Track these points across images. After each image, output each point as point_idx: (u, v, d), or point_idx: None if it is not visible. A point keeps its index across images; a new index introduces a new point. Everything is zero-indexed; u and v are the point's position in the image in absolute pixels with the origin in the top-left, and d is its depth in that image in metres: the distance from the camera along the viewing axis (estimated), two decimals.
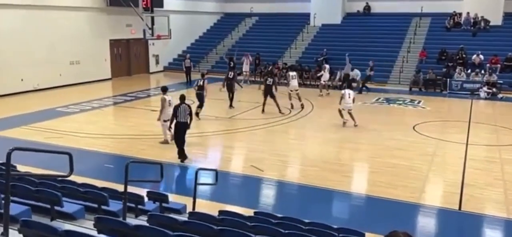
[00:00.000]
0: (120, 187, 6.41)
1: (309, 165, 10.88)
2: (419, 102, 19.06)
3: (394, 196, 8.85)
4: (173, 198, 7.84)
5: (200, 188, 8.99)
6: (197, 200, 7.55)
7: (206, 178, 9.77)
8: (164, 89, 12.37)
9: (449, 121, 15.87)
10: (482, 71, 21.77)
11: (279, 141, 12.73)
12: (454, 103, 19.53)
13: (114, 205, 5.85)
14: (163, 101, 12.03)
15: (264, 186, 9.38)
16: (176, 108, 10.78)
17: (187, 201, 7.72)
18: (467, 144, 12.50)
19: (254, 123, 14.79)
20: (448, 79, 21.67)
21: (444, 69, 22.55)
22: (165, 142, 12.08)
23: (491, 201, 8.81)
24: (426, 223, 8.13)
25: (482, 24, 25.37)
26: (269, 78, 16.41)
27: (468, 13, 25.83)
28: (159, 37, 25.09)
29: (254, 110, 16.85)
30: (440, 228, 7.93)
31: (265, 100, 16.14)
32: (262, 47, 28.15)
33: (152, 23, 24.44)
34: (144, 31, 23.81)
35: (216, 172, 8.42)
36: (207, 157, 11.66)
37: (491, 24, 25.17)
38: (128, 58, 26.67)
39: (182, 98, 11.01)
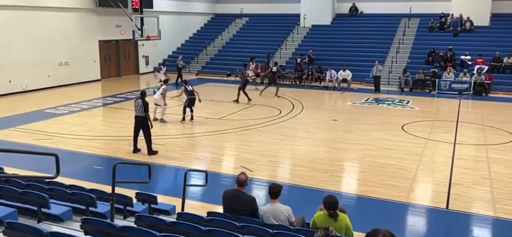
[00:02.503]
0: (109, 189, 6.38)
1: (299, 165, 10.92)
2: (407, 102, 19.21)
3: (383, 196, 8.92)
4: (162, 199, 7.82)
5: (190, 189, 8.99)
6: (187, 201, 7.54)
7: (196, 179, 9.77)
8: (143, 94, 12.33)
9: (437, 121, 16.01)
10: (473, 71, 22.00)
11: (270, 142, 12.74)
12: (443, 103, 19.72)
13: (102, 207, 5.82)
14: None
15: (254, 187, 9.39)
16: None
17: (176, 202, 7.71)
18: (455, 144, 12.64)
19: (245, 124, 14.80)
20: (437, 79, 21.87)
21: (433, 70, 22.75)
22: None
23: (478, 199, 8.91)
24: (414, 222, 8.20)
25: (468, 25, 25.65)
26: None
27: (454, 14, 26.11)
28: (148, 38, 25.01)
29: (245, 111, 16.88)
30: (428, 227, 8.00)
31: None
32: (253, 48, 28.21)
33: (142, 24, 24.35)
34: (133, 32, 23.71)
35: (206, 173, 8.41)
36: (197, 158, 11.64)
37: (478, 24, 25.45)
38: (117, 59, 26.52)
39: (142, 94, 11.53)
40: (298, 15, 29.76)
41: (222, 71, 26.74)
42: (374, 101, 19.26)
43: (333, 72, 22.94)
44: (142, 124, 11.27)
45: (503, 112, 17.72)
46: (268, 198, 6.01)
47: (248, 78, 18.12)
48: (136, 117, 11.33)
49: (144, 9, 24.54)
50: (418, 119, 15.92)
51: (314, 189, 9.16)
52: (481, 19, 25.52)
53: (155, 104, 14.91)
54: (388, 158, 11.24)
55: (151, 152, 11.37)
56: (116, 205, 5.61)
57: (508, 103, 19.41)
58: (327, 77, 22.96)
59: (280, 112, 16.52)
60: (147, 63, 28.45)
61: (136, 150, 11.50)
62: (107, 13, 24.28)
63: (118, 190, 5.76)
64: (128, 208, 6.16)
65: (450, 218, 8.19)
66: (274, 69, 19.90)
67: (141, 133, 11.39)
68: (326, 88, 22.49)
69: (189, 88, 15.05)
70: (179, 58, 25.10)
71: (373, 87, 21.63)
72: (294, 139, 13.24)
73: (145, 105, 11.24)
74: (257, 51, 27.50)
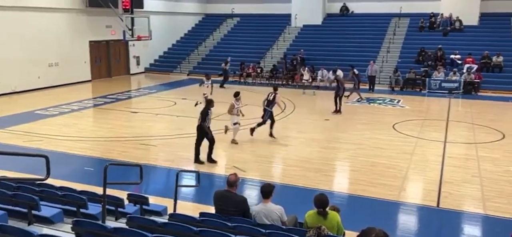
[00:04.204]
0: (100, 190, 6.35)
1: (291, 165, 10.94)
2: (398, 101, 19.34)
3: (374, 194, 8.97)
4: (154, 200, 7.79)
5: (183, 190, 8.97)
6: (179, 202, 7.52)
7: (188, 180, 9.74)
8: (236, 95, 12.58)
9: (427, 119, 16.14)
10: (463, 70, 22.21)
11: (262, 142, 12.75)
12: (433, 102, 19.87)
13: (93, 208, 5.79)
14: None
15: (246, 187, 9.40)
16: None
17: (168, 203, 7.68)
18: (445, 142, 12.75)
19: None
20: (427, 79, 22.05)
21: (423, 69, 22.93)
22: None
23: (468, 197, 9.00)
24: (406, 220, 8.26)
25: (458, 24, 25.88)
26: None
27: (443, 14, 26.32)
28: (139, 38, 24.91)
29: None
30: (419, 225, 8.07)
31: None
32: (244, 48, 28.21)
33: (132, 24, 24.25)
34: (124, 32, 23.60)
35: (198, 174, 8.40)
36: (189, 158, 11.60)
37: (467, 24, 25.68)
38: (108, 59, 26.37)
39: (209, 102, 11.30)
40: (289, 15, 29.81)
41: (214, 71, 26.62)
42: (365, 101, 19.35)
43: (325, 71, 23.07)
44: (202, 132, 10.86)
45: (492, 110, 17.90)
46: (260, 198, 6.02)
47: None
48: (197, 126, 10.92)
49: (134, 9, 24.44)
50: (408, 118, 16.02)
51: (306, 188, 9.19)
52: (470, 18, 25.76)
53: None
54: (380, 157, 11.31)
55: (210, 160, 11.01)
56: (107, 207, 5.58)
57: (497, 101, 19.61)
58: (319, 77, 23.07)
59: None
60: (138, 64, 28.33)
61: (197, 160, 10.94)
62: (97, 14, 24.13)
63: (109, 191, 5.73)
64: (119, 209, 6.13)
65: (441, 216, 8.26)
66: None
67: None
68: (318, 87, 22.56)
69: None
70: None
71: (366, 87, 21.73)
72: (286, 139, 13.25)
73: (203, 114, 10.82)
74: (249, 51, 27.51)
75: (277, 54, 27.59)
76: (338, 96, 16.50)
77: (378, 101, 19.31)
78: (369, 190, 9.17)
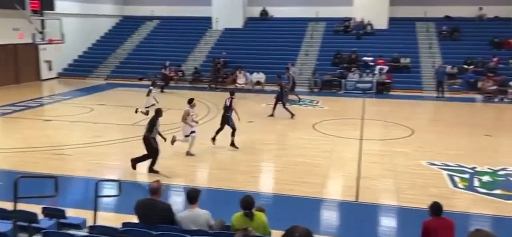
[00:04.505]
0: (11, 206, 5.85)
1: (217, 168, 10.91)
2: (317, 102, 20.09)
3: (298, 193, 9.22)
4: (72, 212, 7.34)
5: (103, 200, 8.53)
6: (100, 213, 7.15)
7: (109, 189, 9.30)
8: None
9: (345, 119, 16.94)
10: (375, 72, 23.62)
11: (186, 146, 12.53)
12: (349, 102, 20.91)
13: (4, 226, 5.32)
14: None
15: (171, 194, 9.19)
16: None
17: (88, 215, 7.27)
18: (361, 140, 13.46)
19: (160, 129, 14.39)
20: (343, 80, 23.18)
21: (339, 71, 24.05)
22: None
23: (384, 191, 9.58)
24: (328, 216, 8.59)
25: (369, 28, 27.50)
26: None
27: (356, 18, 27.85)
28: (51, 42, 23.38)
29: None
30: (340, 219, 8.43)
31: None
32: (165, 51, 27.64)
33: (43, 27, 22.72)
34: (33, 35, 22.04)
35: (119, 183, 8.04)
36: (109, 167, 11.11)
37: (378, 28, 27.38)
38: (15, 64, 24.42)
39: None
40: (210, 18, 29.74)
41: (133, 75, 25.87)
42: (299, 101, 19.80)
43: (247, 74, 23.35)
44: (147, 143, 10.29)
45: (402, 108, 19.26)
46: (187, 203, 5.91)
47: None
48: None
49: (44, 11, 22.92)
50: (327, 118, 16.70)
51: (232, 191, 9.20)
52: (380, 22, 27.49)
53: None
54: (302, 157, 11.64)
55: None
56: (19, 223, 5.15)
57: (406, 100, 21.11)
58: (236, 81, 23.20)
59: (197, 116, 16.33)
60: (50, 68, 26.56)
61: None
62: (2, 15, 22.27)
63: (21, 206, 5.31)
64: (33, 225, 5.69)
65: (360, 210, 8.69)
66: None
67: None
68: (241, 90, 22.72)
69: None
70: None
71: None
72: (210, 142, 13.16)
73: (151, 124, 10.24)
74: (170, 55, 27.00)
75: (199, 57, 27.41)
76: (279, 101, 16.46)
77: (298, 103, 19.89)
78: (293, 189, 9.41)
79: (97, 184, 7.19)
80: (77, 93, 22.19)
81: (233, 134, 12.24)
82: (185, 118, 11.42)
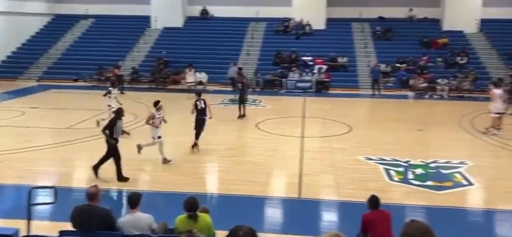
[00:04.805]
0: None
1: (160, 170, 10.67)
2: (260, 101, 20.27)
3: (243, 192, 9.24)
4: (3, 223, 6.89)
5: (38, 209, 8.06)
6: (34, 222, 6.74)
7: (43, 196, 8.81)
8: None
9: (287, 117, 17.22)
10: (314, 71, 24.21)
11: (127, 148, 12.15)
12: (290, 100, 21.29)
13: None
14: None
15: (111, 199, 8.88)
16: None
17: (21, 224, 6.84)
18: (302, 137, 13.75)
19: (98, 132, 13.86)
20: (284, 79, 23.59)
21: (280, 70, 24.43)
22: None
23: (325, 186, 9.84)
24: (272, 213, 8.69)
25: (308, 28, 28.17)
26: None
27: (295, 18, 28.43)
28: None
29: (97, 118, 15.85)
30: (284, 216, 8.56)
31: None
32: (101, 51, 26.70)
33: None
34: None
35: (55, 189, 7.64)
36: (43, 173, 10.52)
37: (316, 28, 28.09)
38: None
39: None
40: (148, 17, 29.07)
41: (68, 76, 24.72)
42: (229, 102, 19.83)
43: (197, 73, 22.96)
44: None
45: (340, 106, 19.91)
46: (128, 208, 5.74)
47: None
48: None
49: None
50: (270, 117, 16.89)
51: (175, 193, 9.04)
52: (318, 23, 28.22)
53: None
54: (246, 156, 11.71)
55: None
56: None
57: (344, 98, 21.85)
58: (183, 80, 22.97)
59: (136, 117, 15.91)
60: None
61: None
62: None
63: None
64: None
65: (303, 206, 8.87)
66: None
67: None
68: (182, 90, 22.43)
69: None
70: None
71: (229, 88, 22.30)
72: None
73: (111, 126, 9.70)
74: (107, 55, 26.10)
75: (138, 57, 26.71)
76: (244, 101, 16.36)
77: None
78: (238, 189, 9.42)
79: (30, 191, 6.79)
80: (6, 96, 20.81)
81: (197, 137, 11.99)
82: (149, 120, 10.94)
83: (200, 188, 9.56)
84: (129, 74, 24.32)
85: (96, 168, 9.79)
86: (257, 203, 8.85)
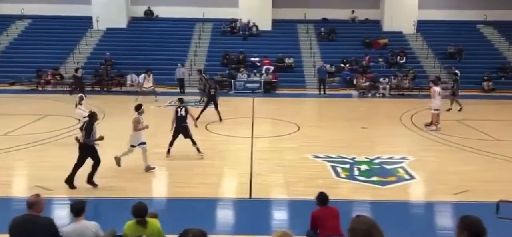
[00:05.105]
0: None
1: (105, 175, 10.26)
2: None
3: (194, 195, 9.13)
4: None
5: None
6: None
7: None
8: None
9: (236, 118, 17.22)
10: (262, 71, 24.39)
11: (68, 155, 11.61)
12: (239, 101, 21.32)
13: None
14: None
15: (54, 207, 8.46)
16: None
17: None
18: (252, 138, 13.81)
19: (38, 138, 13.19)
20: (233, 80, 23.60)
21: (228, 71, 24.42)
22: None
23: (275, 185, 9.93)
24: (223, 215, 8.64)
25: (255, 29, 28.37)
26: None
27: (242, 19, 28.55)
28: None
29: (37, 123, 15.09)
30: (235, 217, 8.55)
31: None
32: (40, 53, 25.48)
33: None
34: None
35: None
36: None
37: (263, 29, 28.35)
38: None
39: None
40: (90, 18, 28.05)
41: (3, 80, 23.37)
42: (177, 104, 19.49)
43: (134, 76, 22.55)
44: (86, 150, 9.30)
45: (288, 106, 20.20)
46: (72, 216, 5.49)
47: None
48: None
49: None
50: None
51: (123, 199, 8.77)
52: (265, 24, 28.50)
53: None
54: (197, 158, 11.50)
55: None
56: None
57: (292, 98, 22.20)
58: (128, 82, 22.42)
59: (79, 121, 15.29)
60: None
61: None
62: None
63: None
64: None
65: (254, 206, 8.91)
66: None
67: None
68: (128, 93, 21.84)
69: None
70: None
71: (177, 90, 22.00)
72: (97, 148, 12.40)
73: (88, 130, 9.22)
74: (46, 57, 24.94)
75: (80, 59, 25.68)
76: (214, 102, 16.12)
77: (190, 103, 19.72)
78: (189, 191, 9.30)
79: None
80: None
81: (194, 143, 11.58)
82: (136, 126, 10.43)
83: (148, 193, 9.36)
84: (71, 77, 23.31)
85: (70, 180, 9.37)
86: (208, 205, 8.78)
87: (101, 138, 9.59)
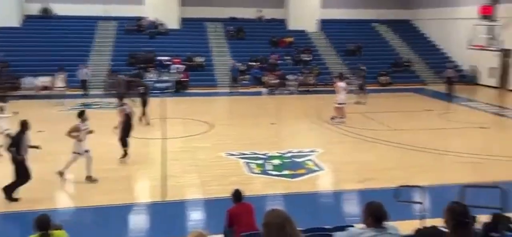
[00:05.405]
0: None
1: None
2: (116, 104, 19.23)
3: (103, 202, 8.70)
4: None
5: None
6: None
7: None
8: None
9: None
10: (172, 71, 23.94)
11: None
12: (150, 102, 20.61)
13: None
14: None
15: None
16: None
17: None
18: (164, 139, 13.51)
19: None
20: (142, 80, 22.80)
21: (136, 71, 23.58)
22: None
23: (189, 186, 9.83)
24: (136, 220, 8.32)
25: (162, 28, 27.75)
26: None
27: (148, 17, 27.77)
28: None
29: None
30: (149, 222, 8.29)
31: None
32: None
33: None
34: None
35: None
36: None
37: (171, 27, 27.82)
38: None
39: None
40: None
41: None
42: (83, 106, 18.38)
43: (30, 78, 20.86)
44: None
45: (200, 105, 20.08)
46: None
47: None
48: None
49: None
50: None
51: (22, 212, 8.07)
52: (172, 22, 27.99)
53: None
54: (106, 163, 10.88)
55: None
56: None
57: (203, 97, 22.08)
58: (25, 85, 20.65)
59: None
60: None
61: None
62: None
63: None
64: None
65: (168, 209, 8.72)
66: None
67: None
68: (25, 97, 20.08)
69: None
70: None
71: (80, 92, 20.76)
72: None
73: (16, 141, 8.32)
74: None
75: None
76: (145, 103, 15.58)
77: (94, 106, 18.76)
78: (97, 200, 8.83)
79: None
80: None
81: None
82: (71, 132, 9.67)
83: (52, 204, 8.70)
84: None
85: (9, 192, 8.49)
86: (119, 211, 8.42)
87: (36, 147, 8.99)
